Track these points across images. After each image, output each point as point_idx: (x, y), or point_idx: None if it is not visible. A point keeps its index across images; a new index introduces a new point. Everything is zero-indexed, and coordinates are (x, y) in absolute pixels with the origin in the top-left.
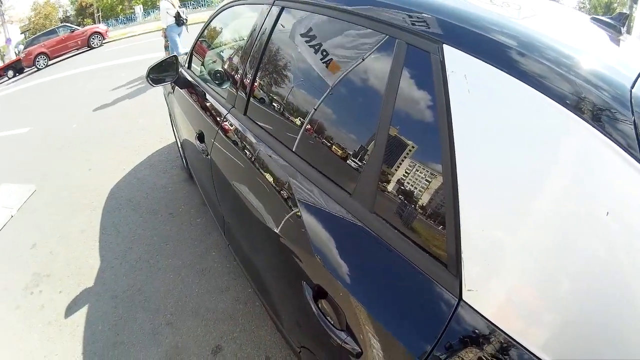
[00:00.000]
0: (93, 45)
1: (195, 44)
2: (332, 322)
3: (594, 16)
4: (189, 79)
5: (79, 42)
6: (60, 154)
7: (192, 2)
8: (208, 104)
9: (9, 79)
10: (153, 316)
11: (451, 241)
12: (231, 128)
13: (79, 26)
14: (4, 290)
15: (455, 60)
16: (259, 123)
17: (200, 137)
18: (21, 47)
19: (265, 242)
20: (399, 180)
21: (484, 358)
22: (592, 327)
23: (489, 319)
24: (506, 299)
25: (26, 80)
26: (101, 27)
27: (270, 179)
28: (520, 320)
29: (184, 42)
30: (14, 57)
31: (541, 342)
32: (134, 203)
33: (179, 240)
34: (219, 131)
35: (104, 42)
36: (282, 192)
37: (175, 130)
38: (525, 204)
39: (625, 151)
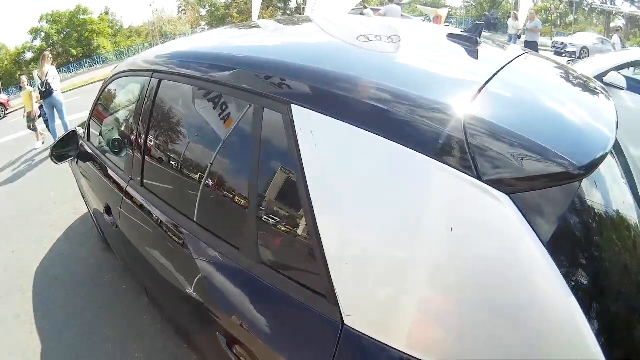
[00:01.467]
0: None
1: (91, 113)
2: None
3: (450, 33)
4: (89, 151)
5: None
6: None
7: (87, 61)
8: (109, 176)
9: None
10: None
11: (324, 276)
12: (132, 200)
13: None
14: None
15: (302, 117)
16: (154, 192)
17: (107, 210)
18: None
19: (179, 301)
20: (275, 232)
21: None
22: (457, 324)
23: (369, 335)
24: (379, 315)
25: None
26: (2, 97)
27: (171, 245)
28: (395, 330)
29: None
30: None
31: (417, 345)
32: (61, 280)
33: (110, 310)
34: (122, 203)
35: (6, 112)
36: (182, 256)
37: (85, 201)
38: (378, 233)
39: (461, 171)
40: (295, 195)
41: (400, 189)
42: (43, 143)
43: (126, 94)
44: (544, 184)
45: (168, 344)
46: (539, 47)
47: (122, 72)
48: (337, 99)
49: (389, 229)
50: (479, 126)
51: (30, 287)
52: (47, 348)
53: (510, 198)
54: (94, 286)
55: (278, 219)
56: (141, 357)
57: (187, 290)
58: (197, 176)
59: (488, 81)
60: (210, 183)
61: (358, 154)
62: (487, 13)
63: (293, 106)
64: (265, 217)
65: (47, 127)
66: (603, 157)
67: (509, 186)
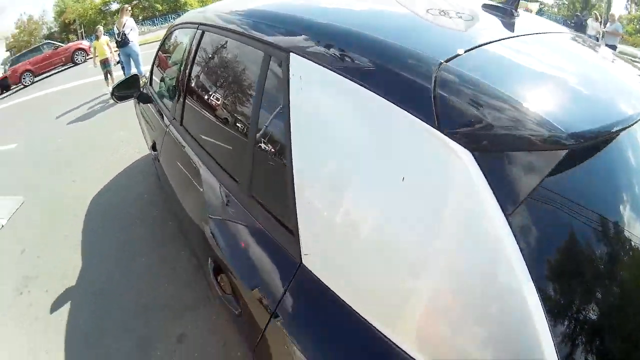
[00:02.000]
0: (77, 61)
1: (153, 63)
2: (224, 290)
3: (486, 3)
4: (149, 94)
5: (63, 58)
6: (46, 167)
7: (172, 16)
8: (160, 116)
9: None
10: (127, 309)
11: (293, 214)
12: (171, 137)
13: (62, 43)
14: None
15: (296, 65)
16: (188, 131)
17: (154, 146)
18: (7, 65)
19: (193, 226)
20: (264, 168)
21: (315, 307)
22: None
23: (320, 278)
24: (330, 261)
25: (12, 98)
26: (84, 43)
27: (192, 176)
28: (342, 279)
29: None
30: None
31: (358, 299)
32: (113, 209)
33: (152, 241)
34: (164, 139)
35: (87, 58)
36: (199, 187)
37: (146, 141)
38: (340, 176)
39: (423, 120)
40: (280, 136)
41: (365, 133)
42: None
43: (178, 45)
44: (517, 146)
45: (197, 279)
46: (623, 55)
47: (177, 25)
48: (318, 46)
49: (347, 173)
50: (453, 77)
51: (83, 213)
52: (86, 267)
53: (473, 156)
54: (141, 218)
55: (266, 158)
56: (170, 287)
57: (198, 217)
58: (216, 118)
59: (489, 43)
60: (226, 123)
61: (331, 97)
62: (578, 14)
63: (291, 54)
64: (257, 155)
65: (124, 73)
66: (605, 133)
67: (474, 143)
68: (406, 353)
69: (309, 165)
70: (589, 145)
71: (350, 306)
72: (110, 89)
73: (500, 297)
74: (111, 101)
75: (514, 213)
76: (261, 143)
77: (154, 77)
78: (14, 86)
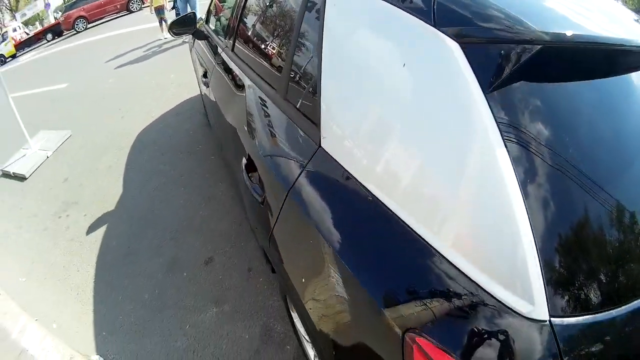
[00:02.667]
0: (132, 9)
1: (209, 5)
2: (252, 181)
3: None
4: (205, 32)
5: (118, 6)
6: (96, 105)
7: None
8: (213, 50)
9: (48, 41)
10: (160, 233)
11: (317, 109)
12: (223, 60)
13: None
14: (33, 217)
15: None
16: (237, 54)
17: (205, 74)
18: (59, 13)
19: (231, 135)
20: (298, 76)
21: (328, 181)
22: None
23: (335, 158)
24: (344, 144)
25: (65, 42)
26: None
27: (237, 88)
28: (354, 159)
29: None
30: (53, 21)
31: (372, 177)
32: (158, 144)
33: (194, 174)
34: (215, 67)
35: (143, 6)
36: (242, 96)
37: (198, 82)
38: (357, 76)
39: (421, 19)
40: (313, 49)
41: (379, 39)
42: (166, 37)
43: None
44: (499, 38)
45: (233, 209)
46: None
47: None
48: None
49: (361, 72)
50: None
51: (129, 145)
52: (125, 195)
53: (461, 48)
54: (186, 153)
55: (300, 68)
56: (205, 215)
57: (239, 122)
58: (261, 41)
59: None
60: (269, 45)
61: (353, 14)
62: None
63: None
64: (294, 66)
65: None
66: (576, 41)
67: (462, 37)
68: (409, 226)
69: (332, 70)
70: (562, 47)
71: (355, 177)
72: (165, 34)
73: (477, 173)
74: (164, 46)
75: (492, 92)
76: (296, 58)
77: (210, 16)
78: (66, 32)
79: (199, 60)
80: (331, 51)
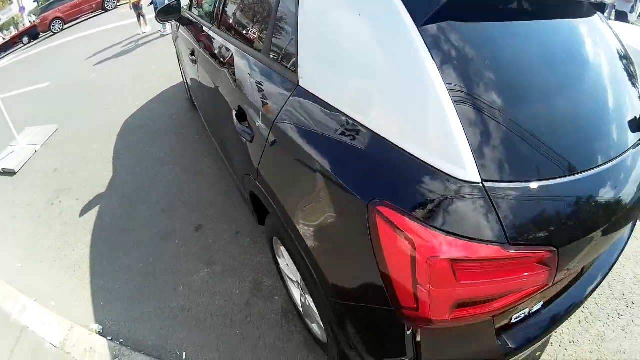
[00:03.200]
0: (107, 7)
1: None
2: (244, 124)
3: None
4: (189, 17)
5: (94, 5)
6: (79, 99)
7: None
8: (199, 30)
9: (25, 44)
10: (152, 208)
11: (295, 54)
12: (209, 37)
13: None
14: (27, 206)
15: None
16: (224, 29)
17: (192, 53)
18: (33, 17)
19: (221, 99)
20: (280, 35)
21: (306, 110)
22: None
23: (311, 92)
24: (318, 80)
25: (42, 44)
26: None
27: (225, 57)
28: (326, 89)
29: None
30: (28, 25)
31: (346, 102)
32: (144, 129)
33: (180, 152)
34: (203, 42)
35: (118, 4)
36: (230, 62)
37: (181, 68)
38: (325, 29)
39: None
40: (291, 15)
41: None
42: (145, 32)
43: None
44: None
45: (219, 181)
46: None
47: None
48: None
49: (329, 28)
50: None
51: (116, 133)
52: (116, 177)
53: None
54: (171, 135)
55: (282, 28)
56: (193, 188)
57: (228, 83)
58: (246, 13)
59: None
60: (254, 15)
61: None
62: None
63: None
64: (276, 28)
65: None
66: None
67: None
68: (373, 131)
69: (305, 29)
70: None
71: (327, 102)
72: (144, 29)
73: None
74: (143, 41)
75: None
76: (279, 21)
77: (193, 3)
78: (43, 34)
79: (185, 43)
80: (305, 14)
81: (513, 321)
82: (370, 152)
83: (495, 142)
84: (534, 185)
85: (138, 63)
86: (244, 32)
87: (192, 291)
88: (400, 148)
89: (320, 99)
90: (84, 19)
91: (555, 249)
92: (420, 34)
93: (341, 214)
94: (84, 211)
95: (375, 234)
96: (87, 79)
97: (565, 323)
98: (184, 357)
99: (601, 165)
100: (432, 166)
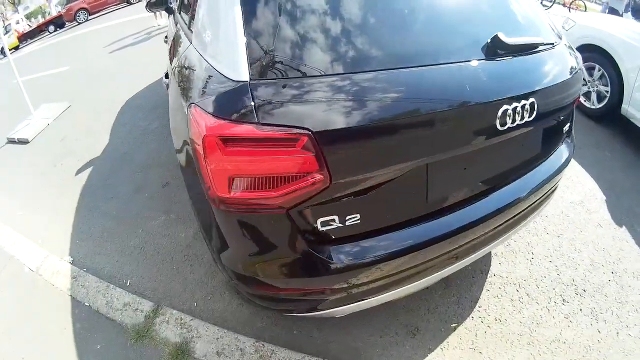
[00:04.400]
0: (132, 1)
1: None
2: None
3: None
4: (172, 7)
5: None
6: (93, 82)
7: None
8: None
9: (50, 33)
10: (133, 168)
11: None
12: (175, 23)
13: None
14: (34, 166)
15: None
16: (179, 16)
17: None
18: (59, 7)
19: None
20: (199, 20)
21: (190, 56)
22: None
23: (194, 46)
24: (197, 39)
25: (67, 33)
26: None
27: (182, 44)
28: (197, 43)
29: None
30: (54, 14)
31: (200, 47)
32: (141, 107)
33: (166, 126)
34: (173, 29)
35: None
36: (180, 47)
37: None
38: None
39: None
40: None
41: None
42: (160, 24)
43: None
44: None
45: None
46: None
47: None
48: None
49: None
50: None
51: (118, 110)
52: (110, 144)
53: None
54: (162, 110)
55: (195, 9)
56: (171, 152)
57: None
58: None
59: None
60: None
61: None
62: None
63: None
64: (194, 9)
65: None
66: None
67: None
68: (207, 60)
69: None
70: None
71: (197, 49)
72: (158, 22)
73: None
74: (156, 32)
75: None
76: (197, 11)
77: None
78: (68, 23)
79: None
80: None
81: (322, 228)
82: (200, 73)
83: (269, 53)
84: (292, 82)
85: (147, 51)
86: (182, 16)
87: (148, 234)
88: (212, 66)
89: (195, 49)
90: (109, 10)
91: (309, 132)
92: None
93: (184, 129)
94: (79, 171)
95: (189, 130)
96: (103, 65)
97: (490, 299)
98: (128, 283)
99: (373, 69)
100: (221, 73)
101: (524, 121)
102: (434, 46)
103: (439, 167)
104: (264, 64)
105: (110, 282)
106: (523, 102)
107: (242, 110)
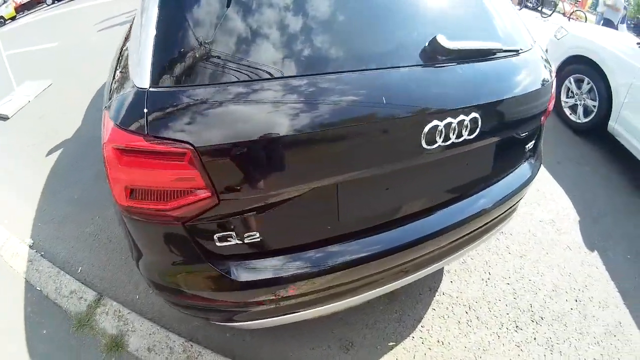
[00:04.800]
0: None
1: None
2: None
3: None
4: None
5: None
6: (77, 60)
7: None
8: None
9: (48, 5)
10: (99, 154)
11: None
12: None
13: None
14: (9, 146)
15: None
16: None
17: None
18: None
19: None
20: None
21: None
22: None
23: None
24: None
25: (63, 7)
26: None
27: None
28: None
29: None
30: None
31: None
32: None
33: None
34: None
35: None
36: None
37: None
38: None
39: None
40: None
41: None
42: None
43: None
44: None
45: None
46: None
47: None
48: None
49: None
50: None
51: (96, 89)
52: (84, 125)
53: None
54: None
55: (138, 13)
56: None
57: None
58: None
59: None
60: None
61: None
62: None
63: None
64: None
65: None
66: None
67: None
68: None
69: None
70: None
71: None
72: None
73: None
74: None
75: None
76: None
77: None
78: None
79: None
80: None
81: (220, 243)
82: (120, 77)
83: (176, 59)
84: (190, 91)
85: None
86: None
87: (104, 221)
88: (129, 70)
89: (127, 49)
90: None
91: (191, 147)
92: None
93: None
94: (51, 151)
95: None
96: (90, 43)
97: (435, 319)
98: (79, 270)
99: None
100: (132, 79)
101: (462, 139)
102: (352, 50)
103: (351, 188)
104: (168, 70)
105: (63, 268)
106: (462, 117)
107: (136, 120)
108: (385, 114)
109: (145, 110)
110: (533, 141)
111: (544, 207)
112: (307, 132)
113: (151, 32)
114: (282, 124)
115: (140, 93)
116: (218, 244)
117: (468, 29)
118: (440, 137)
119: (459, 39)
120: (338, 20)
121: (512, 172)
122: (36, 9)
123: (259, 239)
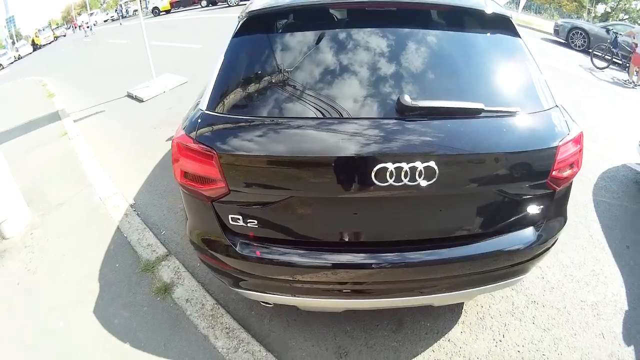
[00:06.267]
0: None
1: None
2: None
3: None
4: None
5: None
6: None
7: None
8: None
9: (202, 7)
10: None
11: None
12: None
13: None
14: (137, 126)
15: None
16: None
17: None
18: None
19: None
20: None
21: None
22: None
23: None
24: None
25: (215, 12)
26: None
27: None
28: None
29: None
30: None
31: None
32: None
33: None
34: None
35: None
36: None
37: None
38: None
39: None
40: None
41: None
42: None
43: None
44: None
45: None
46: None
47: None
48: None
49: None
50: None
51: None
52: None
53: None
54: None
55: None
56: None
57: None
58: None
59: None
60: None
61: None
62: None
63: None
64: None
65: None
66: None
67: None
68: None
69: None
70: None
71: None
72: None
73: None
74: None
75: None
76: None
77: None
78: (221, 3)
79: None
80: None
81: (232, 222)
82: (196, 106)
83: (225, 95)
84: (230, 117)
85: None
86: None
87: None
88: (200, 99)
89: None
90: None
91: (215, 152)
92: (230, 44)
93: None
94: (169, 139)
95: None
96: None
97: None
98: (162, 233)
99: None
100: (198, 102)
101: (415, 183)
102: (339, 102)
103: (325, 203)
104: (218, 101)
105: (150, 227)
106: (415, 164)
107: (193, 129)
108: (351, 150)
109: (198, 124)
110: (539, 206)
111: (592, 288)
112: (286, 155)
113: (216, 72)
114: (270, 149)
115: (199, 112)
116: (231, 222)
117: (457, 89)
118: (391, 178)
119: (444, 98)
120: (335, 75)
121: (505, 233)
122: (190, 8)
123: (256, 226)
